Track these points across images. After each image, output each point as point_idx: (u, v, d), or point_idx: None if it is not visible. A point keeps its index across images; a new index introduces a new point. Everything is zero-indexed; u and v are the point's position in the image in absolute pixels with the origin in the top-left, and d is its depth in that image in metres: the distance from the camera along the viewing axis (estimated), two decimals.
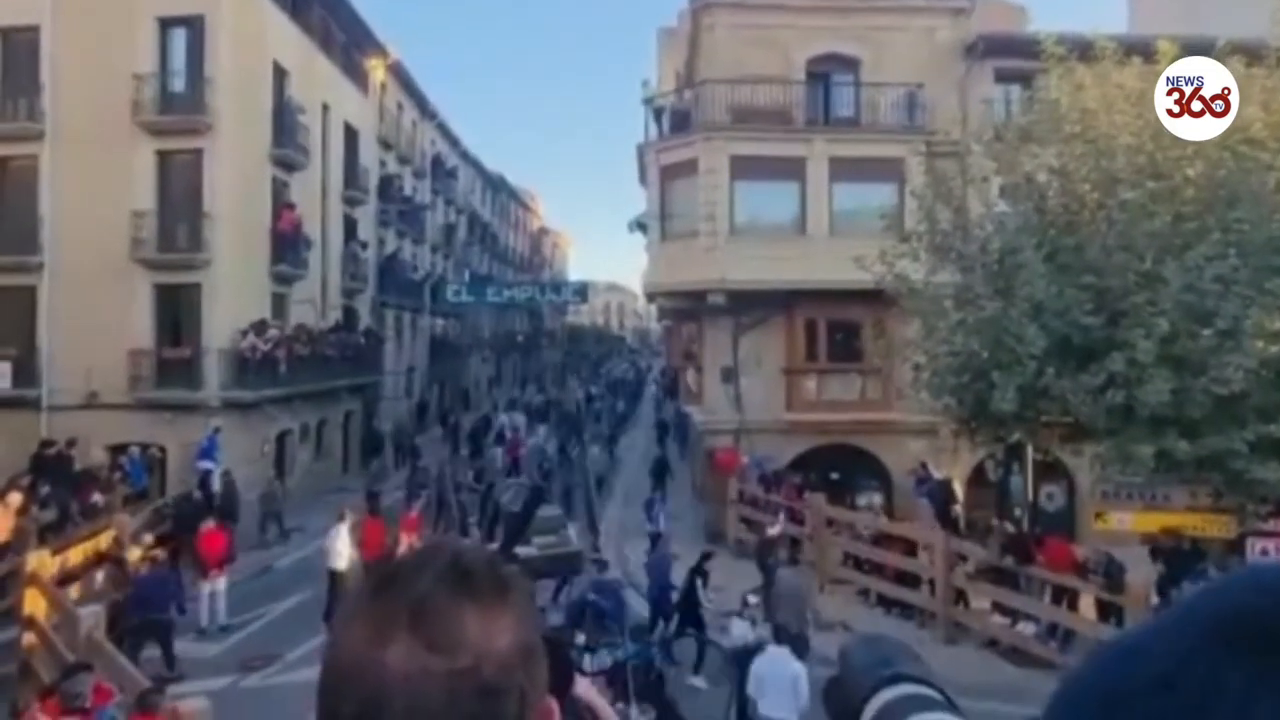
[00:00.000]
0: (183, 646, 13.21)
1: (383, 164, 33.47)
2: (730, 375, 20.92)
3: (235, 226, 21.79)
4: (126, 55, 21.00)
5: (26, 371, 21.16)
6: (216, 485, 19.45)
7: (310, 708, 0.79)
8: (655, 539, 16.95)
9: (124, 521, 14.89)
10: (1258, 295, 11.18)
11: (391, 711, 0.72)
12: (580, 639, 10.40)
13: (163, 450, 20.84)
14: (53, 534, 13.99)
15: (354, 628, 0.77)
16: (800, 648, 11.02)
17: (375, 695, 0.73)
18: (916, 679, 1.05)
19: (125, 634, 11.70)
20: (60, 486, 16.58)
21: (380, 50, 32.14)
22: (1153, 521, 13.54)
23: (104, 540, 13.97)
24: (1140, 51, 12.84)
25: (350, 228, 30.19)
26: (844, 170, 20.22)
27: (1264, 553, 12.54)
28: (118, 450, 20.00)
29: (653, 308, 37.20)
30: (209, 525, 15.54)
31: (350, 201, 29.90)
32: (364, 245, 30.99)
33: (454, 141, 44.75)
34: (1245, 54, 12.31)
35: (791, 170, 20.38)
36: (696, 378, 23.03)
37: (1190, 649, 0.54)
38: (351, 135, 29.94)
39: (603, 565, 14.15)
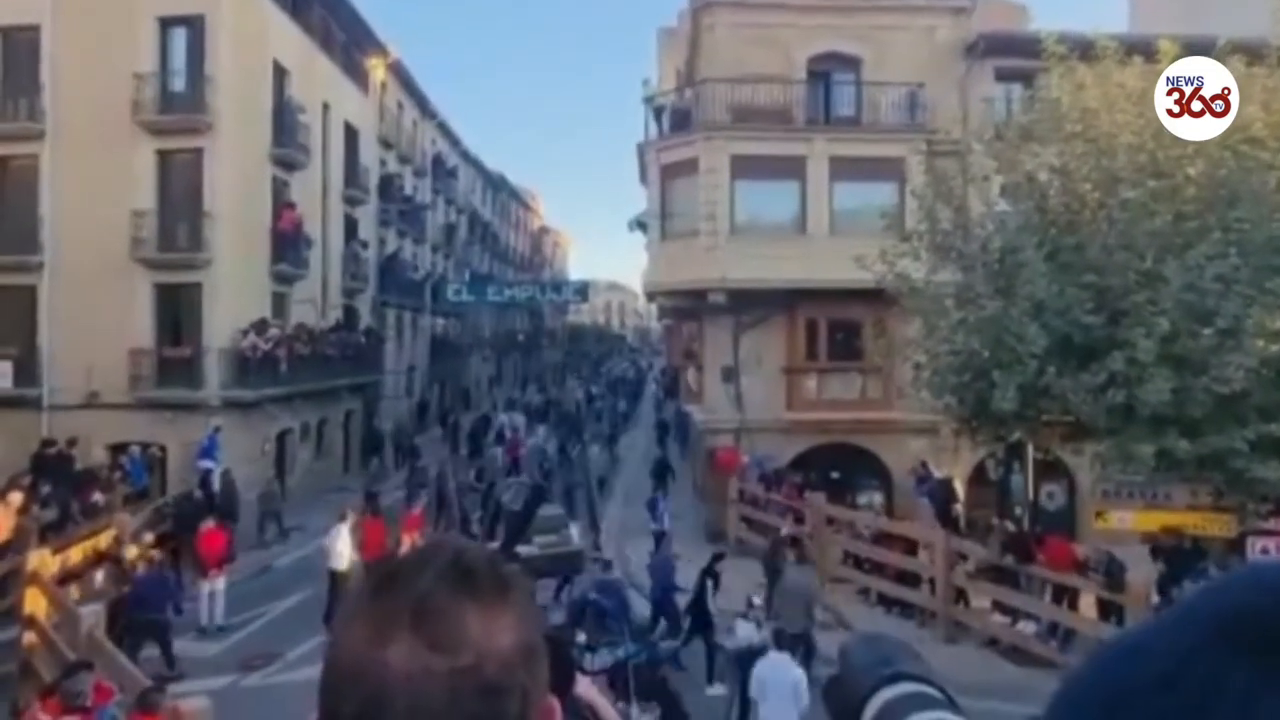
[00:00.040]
0: (183, 645, 13.22)
1: (383, 163, 33.47)
2: (731, 374, 20.92)
3: (236, 226, 21.79)
4: (127, 55, 21.00)
5: (27, 371, 21.17)
6: (217, 484, 19.46)
7: (311, 707, 0.79)
8: (659, 538, 16.94)
9: (124, 521, 14.90)
10: (1258, 294, 11.19)
11: (393, 710, 0.72)
12: (581, 638, 10.40)
13: (163, 449, 20.84)
14: (53, 533, 13.99)
15: (355, 627, 0.77)
16: (806, 648, 11.04)
17: (377, 694, 0.73)
18: (917, 677, 1.05)
19: (124, 633, 11.71)
20: (61, 486, 16.58)
21: (380, 49, 32.13)
22: (1153, 520, 13.54)
23: (104, 539, 13.98)
24: (1141, 50, 12.84)
25: (351, 227, 30.20)
26: (844, 169, 20.21)
27: (1264, 551, 12.53)
28: (118, 449, 20.00)
29: (653, 307, 37.18)
30: (209, 525, 15.54)
31: (351, 201, 29.90)
32: (364, 245, 30.99)
33: (454, 141, 44.74)
34: (1246, 53, 12.33)
35: (792, 169, 20.37)
36: (697, 377, 23.04)
37: (1191, 648, 0.53)
38: (352, 134, 29.94)
39: (607, 566, 14.12)
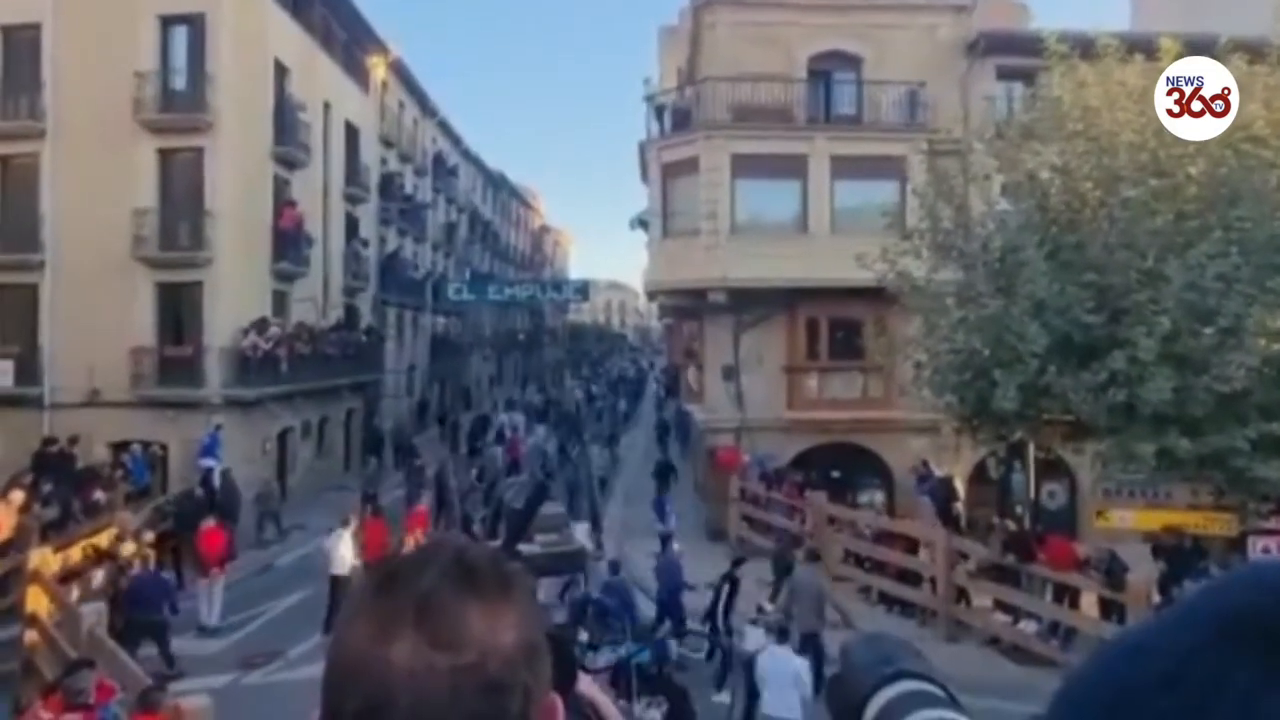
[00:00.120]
0: (184, 644, 13.22)
1: (384, 162, 33.47)
2: (731, 373, 20.92)
3: (237, 224, 21.79)
4: (128, 53, 21.00)
5: (28, 369, 21.18)
6: (218, 483, 19.47)
7: (312, 705, 0.79)
8: (666, 540, 16.90)
9: (125, 519, 14.92)
10: (1260, 293, 11.18)
11: (396, 708, 0.72)
12: (583, 636, 10.39)
13: (164, 448, 20.84)
14: (55, 532, 13.98)
15: (358, 624, 0.77)
16: (815, 651, 11.01)
17: (380, 692, 0.73)
18: (919, 675, 1.05)
19: (122, 632, 11.71)
20: (62, 484, 16.58)
21: (381, 48, 32.12)
22: (1154, 519, 13.54)
23: (105, 538, 13.99)
24: (1142, 49, 12.82)
25: (351, 226, 30.20)
26: (845, 168, 20.20)
27: (1265, 551, 12.53)
28: (120, 448, 20.01)
29: (654, 306, 37.20)
30: (209, 523, 15.54)
31: (351, 199, 29.91)
32: (365, 243, 31.00)
33: (455, 139, 44.72)
34: (1247, 51, 12.32)
35: (793, 168, 20.36)
36: (698, 376, 23.03)
37: (1193, 647, 0.53)
38: (352, 133, 29.94)
39: (616, 569, 14.06)
